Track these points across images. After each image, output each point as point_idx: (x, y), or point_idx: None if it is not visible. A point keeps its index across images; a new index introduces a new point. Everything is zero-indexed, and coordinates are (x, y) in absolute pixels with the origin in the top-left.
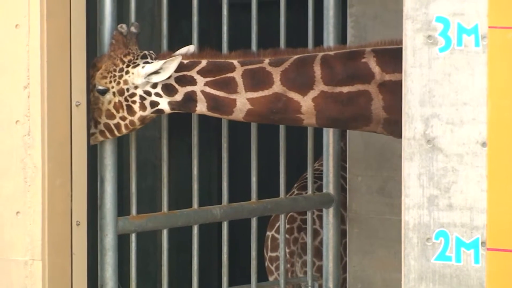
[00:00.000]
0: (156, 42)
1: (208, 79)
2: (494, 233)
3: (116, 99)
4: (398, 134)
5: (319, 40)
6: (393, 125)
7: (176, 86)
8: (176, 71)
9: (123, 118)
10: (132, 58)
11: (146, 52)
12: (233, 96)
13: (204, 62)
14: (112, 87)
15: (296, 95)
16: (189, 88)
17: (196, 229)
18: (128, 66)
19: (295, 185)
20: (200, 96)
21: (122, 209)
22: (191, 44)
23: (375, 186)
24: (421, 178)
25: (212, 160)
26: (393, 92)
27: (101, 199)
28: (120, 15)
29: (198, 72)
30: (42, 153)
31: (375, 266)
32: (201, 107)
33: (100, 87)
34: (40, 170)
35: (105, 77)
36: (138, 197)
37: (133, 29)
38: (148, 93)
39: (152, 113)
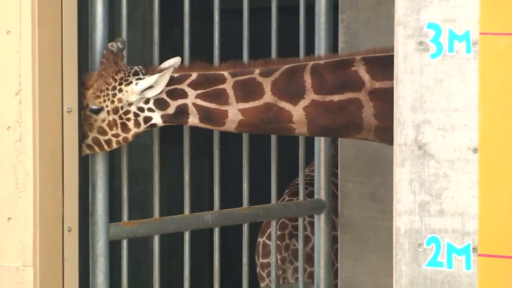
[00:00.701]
0: (148, 48)
1: (199, 91)
2: (485, 239)
3: (111, 117)
4: (390, 141)
5: (310, 46)
6: (384, 132)
7: (168, 100)
8: (167, 85)
9: (116, 135)
10: (124, 76)
11: (136, 68)
12: (224, 108)
13: (194, 75)
14: (107, 106)
15: (287, 104)
16: (180, 101)
17: (187, 235)
18: (120, 84)
19: (286, 191)
20: (191, 109)
21: (113, 215)
22: (182, 49)
23: (367, 192)
24: (413, 184)
25: (203, 167)
26: (384, 100)
27: (92, 205)
28: (112, 21)
29: (189, 85)
30: (33, 159)
31: (366, 272)
32: (193, 119)
33: (94, 107)
34: (32, 176)
35: (99, 97)
36: (130, 203)
37: (119, 45)
38: (141, 109)
39: (145, 128)
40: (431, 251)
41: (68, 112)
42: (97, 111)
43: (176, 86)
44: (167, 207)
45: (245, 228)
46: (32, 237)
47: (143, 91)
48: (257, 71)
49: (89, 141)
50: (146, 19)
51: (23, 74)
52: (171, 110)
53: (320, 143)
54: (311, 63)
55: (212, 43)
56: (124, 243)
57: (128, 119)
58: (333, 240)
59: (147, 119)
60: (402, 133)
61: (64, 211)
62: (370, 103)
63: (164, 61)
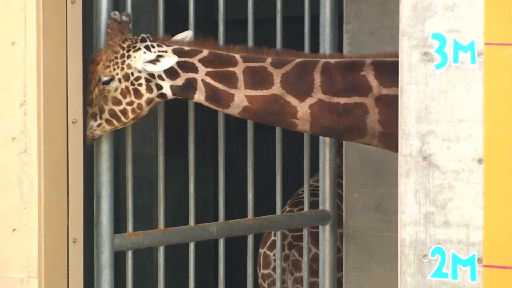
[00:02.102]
0: None
1: (210, 69)
2: (490, 250)
3: (123, 85)
4: (394, 148)
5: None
6: (388, 139)
7: (178, 70)
8: (178, 55)
9: (130, 103)
10: (131, 43)
11: (143, 35)
12: (232, 91)
13: (205, 52)
14: (117, 74)
15: (293, 99)
16: (190, 75)
17: (192, 246)
18: (128, 50)
19: (288, 202)
20: (200, 85)
21: (118, 226)
22: None
23: (372, 202)
24: (418, 195)
25: (208, 177)
26: (390, 106)
27: (97, 216)
28: None
29: (200, 61)
30: (38, 170)
31: (371, 283)
32: (199, 96)
33: (106, 78)
34: (37, 187)
35: (108, 66)
36: (135, 214)
37: (124, 17)
38: (152, 76)
39: (157, 96)
40: (436, 262)
41: (73, 123)
42: (109, 82)
43: (187, 59)
44: (172, 218)
45: (250, 239)
46: (37, 248)
47: (146, 62)
48: (269, 60)
49: (106, 115)
50: (151, 29)
51: (28, 85)
52: (180, 81)
53: (325, 154)
54: (322, 60)
55: None
56: (129, 254)
57: (140, 85)
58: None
59: (158, 86)
60: (407, 143)
61: (69, 222)
62: (375, 109)
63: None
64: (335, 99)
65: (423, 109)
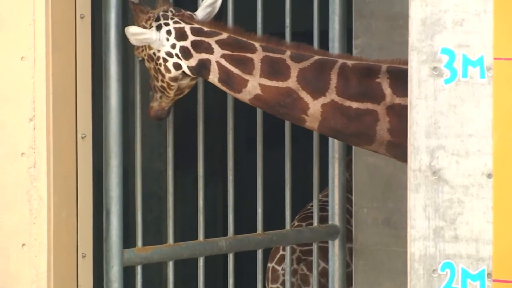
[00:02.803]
0: None
1: (226, 52)
2: (500, 265)
3: (151, 64)
4: (401, 158)
5: None
6: (396, 148)
7: (192, 50)
8: (195, 35)
9: (162, 81)
10: (151, 22)
11: (161, 11)
12: (246, 77)
13: (225, 35)
14: (144, 55)
15: (307, 96)
16: (204, 56)
17: (201, 261)
18: None
19: (297, 217)
20: (214, 66)
21: (127, 241)
22: None
23: (381, 217)
24: (427, 210)
25: (217, 192)
26: (400, 116)
27: (106, 231)
28: (125, 47)
29: (217, 42)
30: (47, 185)
31: None
32: (213, 77)
33: (139, 59)
34: (46, 202)
35: (138, 48)
36: (144, 229)
37: None
38: (170, 55)
39: (180, 74)
40: (446, 277)
41: (82, 138)
42: (142, 62)
43: (203, 39)
44: (181, 233)
45: (260, 254)
46: (46, 263)
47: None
48: (288, 53)
49: (157, 89)
50: None
51: (37, 100)
52: (193, 62)
53: (334, 168)
54: (340, 61)
55: None
56: (139, 269)
57: (160, 64)
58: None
59: (176, 66)
60: (416, 158)
61: (78, 237)
62: (386, 118)
63: None
64: (347, 103)
65: (433, 124)
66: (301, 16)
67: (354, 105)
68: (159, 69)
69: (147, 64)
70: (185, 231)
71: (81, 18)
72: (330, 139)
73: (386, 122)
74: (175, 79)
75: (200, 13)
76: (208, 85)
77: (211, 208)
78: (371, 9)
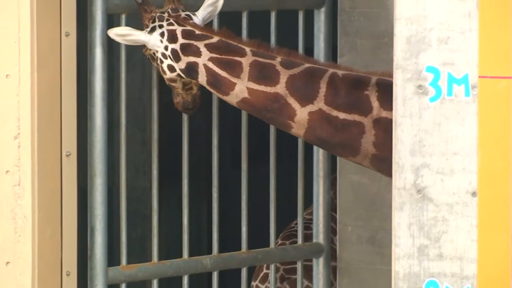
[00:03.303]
0: (147, 91)
1: (214, 55)
2: (484, 283)
3: (155, 63)
4: (386, 172)
5: None
6: (381, 162)
7: (180, 54)
8: (184, 38)
9: (165, 79)
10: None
11: (160, 12)
12: (234, 80)
13: (215, 39)
14: (148, 54)
15: (295, 103)
16: (192, 59)
17: (186, 279)
18: None
19: (281, 235)
20: (201, 69)
21: (112, 259)
22: None
23: (366, 235)
24: (411, 228)
25: (202, 210)
26: (386, 130)
27: (91, 249)
28: (111, 65)
29: (206, 46)
30: (32, 203)
31: None
32: (202, 80)
33: (148, 57)
34: (30, 220)
35: (144, 47)
36: (128, 247)
37: None
38: (164, 56)
39: (176, 76)
40: None
41: (67, 156)
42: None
43: (192, 42)
44: (165, 251)
45: (244, 272)
46: (30, 281)
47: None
48: (279, 59)
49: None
50: (145, 63)
51: (22, 117)
52: (182, 65)
53: (319, 186)
54: (331, 71)
55: None
56: (123, 287)
57: (158, 65)
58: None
59: (170, 68)
60: (401, 176)
61: (63, 255)
62: (372, 131)
63: (163, 106)
64: (335, 112)
65: (417, 142)
66: (286, 33)
67: (342, 115)
68: (159, 69)
69: (153, 62)
70: (170, 249)
71: (66, 35)
72: (315, 156)
73: (371, 135)
74: (173, 80)
75: (201, 13)
76: None
77: (195, 226)
78: (356, 27)
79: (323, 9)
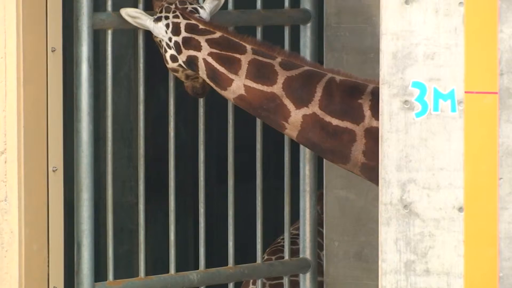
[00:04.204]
0: (133, 106)
1: (214, 50)
2: None
3: (161, 50)
4: (376, 181)
5: None
6: (370, 171)
7: (182, 47)
8: (187, 31)
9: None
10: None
11: (166, 4)
12: (231, 76)
13: (218, 34)
14: (156, 41)
15: (290, 104)
16: (192, 53)
17: None
18: None
19: (267, 250)
20: (201, 63)
21: (99, 274)
22: (167, 108)
23: (352, 251)
24: (398, 243)
25: (188, 225)
26: (376, 140)
27: (78, 265)
28: (97, 80)
29: (207, 41)
30: (18, 219)
31: None
32: (202, 73)
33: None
34: (17, 235)
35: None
36: (115, 262)
37: None
38: (168, 47)
39: (178, 66)
40: None
41: (53, 171)
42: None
43: (194, 36)
44: (152, 266)
45: (231, 287)
46: None
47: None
48: (279, 59)
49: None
50: (131, 78)
51: (9, 133)
52: (183, 57)
53: (305, 202)
54: (329, 75)
55: (197, 102)
56: None
57: (163, 54)
58: None
59: (173, 58)
60: (388, 192)
61: (50, 270)
62: (363, 140)
63: (149, 121)
64: (328, 118)
65: (404, 157)
66: None
67: (334, 121)
68: (163, 57)
69: (160, 49)
70: (156, 265)
71: (53, 51)
72: (301, 171)
73: (362, 144)
74: (175, 70)
75: (207, 5)
76: (179, 119)
77: (182, 241)
78: (342, 42)
79: (309, 25)
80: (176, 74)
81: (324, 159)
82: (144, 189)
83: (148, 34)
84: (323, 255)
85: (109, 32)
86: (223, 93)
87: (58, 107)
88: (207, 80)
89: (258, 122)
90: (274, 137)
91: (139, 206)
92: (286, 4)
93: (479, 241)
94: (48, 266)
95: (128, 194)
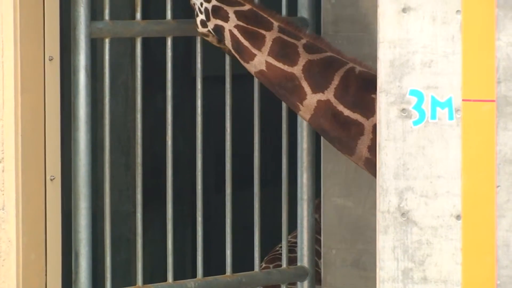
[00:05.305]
0: (131, 115)
1: (241, 23)
2: None
3: (194, 13)
4: None
5: (293, 113)
6: (373, 167)
7: (210, 15)
8: (217, 0)
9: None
10: None
11: None
12: (254, 51)
13: (246, 7)
14: (192, 4)
15: (307, 87)
16: (219, 22)
17: None
18: None
19: (265, 258)
20: (227, 34)
21: (96, 283)
22: (165, 116)
23: (350, 259)
24: (396, 251)
25: (186, 234)
26: None
27: (75, 274)
28: (94, 88)
29: (235, 12)
30: (16, 227)
31: None
32: (228, 44)
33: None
34: (15, 244)
35: None
36: (113, 271)
37: None
38: (200, 11)
39: (208, 32)
40: None
41: (51, 180)
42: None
43: (223, 6)
44: (150, 275)
45: None
46: None
47: None
48: (304, 41)
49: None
50: (129, 86)
51: (6, 142)
52: (211, 25)
53: (303, 210)
54: (349, 65)
55: (195, 110)
56: None
57: (194, 17)
58: None
59: (203, 23)
60: (385, 200)
61: (47, 279)
62: (370, 135)
63: (147, 130)
64: (341, 107)
65: (401, 165)
66: None
67: (346, 112)
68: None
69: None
70: (154, 273)
71: (50, 60)
72: (299, 180)
73: (368, 138)
74: (205, 34)
75: None
76: (176, 127)
77: (180, 249)
78: (340, 50)
79: None
80: (207, 38)
81: (322, 167)
82: (141, 197)
83: (146, 42)
84: (321, 263)
85: (107, 41)
86: (245, 65)
87: (55, 116)
88: (232, 51)
89: (256, 130)
90: (272, 145)
91: (137, 214)
92: (284, 12)
93: (476, 249)
94: (46, 275)
95: (125, 202)
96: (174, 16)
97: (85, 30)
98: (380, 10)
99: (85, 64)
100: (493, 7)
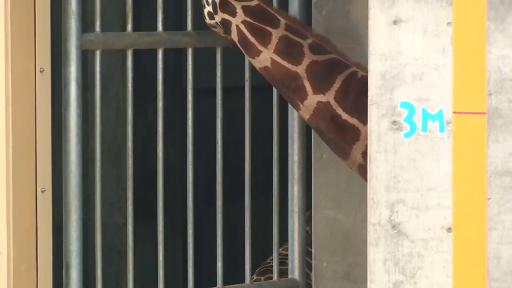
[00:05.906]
0: (122, 127)
1: (248, 19)
2: None
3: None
4: None
5: (284, 125)
6: (366, 174)
7: (218, 8)
8: None
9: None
10: None
11: None
12: (260, 48)
13: (254, 2)
14: None
15: (309, 87)
16: (226, 17)
17: None
18: None
19: (256, 270)
20: (233, 29)
21: None
22: (156, 128)
23: (341, 271)
24: (387, 264)
25: (177, 246)
26: None
27: (66, 285)
28: (85, 101)
29: (243, 7)
30: (7, 239)
31: None
32: (234, 38)
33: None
34: (6, 256)
35: None
36: (104, 283)
37: None
38: (207, 3)
39: (216, 23)
40: None
41: (42, 192)
42: None
43: (231, 0)
44: (141, 287)
45: None
46: None
47: None
48: (309, 40)
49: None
50: (120, 98)
51: None
52: (218, 18)
53: (294, 222)
54: (352, 69)
55: (185, 122)
56: None
57: (202, 8)
58: None
59: (210, 15)
60: (376, 212)
61: None
62: (365, 141)
63: (138, 142)
64: (340, 110)
65: (392, 177)
66: None
67: (344, 115)
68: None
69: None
70: (145, 285)
71: (41, 71)
72: (290, 192)
73: (363, 145)
74: (212, 26)
75: None
76: (167, 139)
77: (171, 262)
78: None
79: None
80: (214, 30)
81: (313, 180)
82: (132, 209)
83: (137, 54)
84: (312, 275)
85: (98, 52)
86: (251, 60)
87: (46, 128)
88: (238, 45)
89: (247, 142)
90: (262, 157)
91: (128, 226)
92: None
93: (467, 261)
94: (37, 286)
95: (116, 214)
96: (165, 28)
97: (76, 42)
98: (371, 22)
99: (76, 76)
100: (484, 19)
